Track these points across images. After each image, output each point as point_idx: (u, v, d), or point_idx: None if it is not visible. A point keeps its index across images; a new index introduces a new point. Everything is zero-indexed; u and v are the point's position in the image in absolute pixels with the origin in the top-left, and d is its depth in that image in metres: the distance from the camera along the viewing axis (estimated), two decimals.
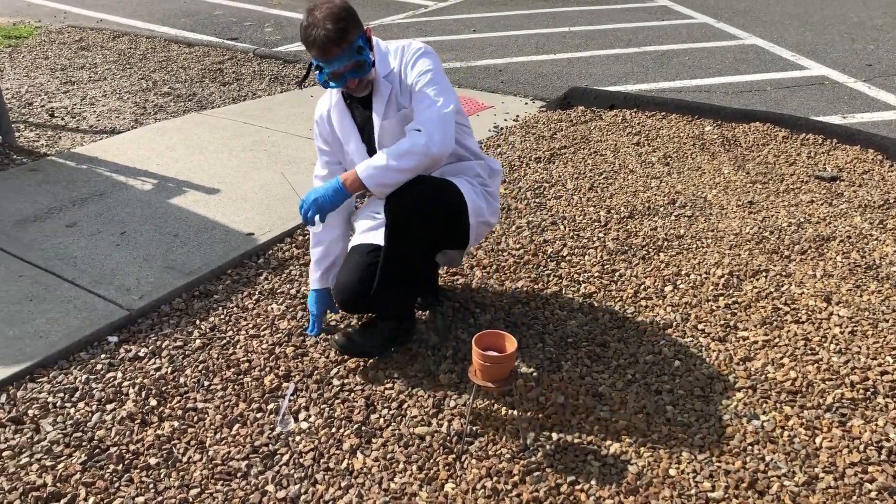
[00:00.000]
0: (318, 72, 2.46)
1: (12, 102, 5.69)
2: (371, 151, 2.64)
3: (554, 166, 4.48)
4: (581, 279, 3.28)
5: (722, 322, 2.95)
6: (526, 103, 5.71)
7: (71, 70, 6.64)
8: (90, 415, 2.50)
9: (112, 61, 6.90)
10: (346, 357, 2.77)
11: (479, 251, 3.51)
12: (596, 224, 3.76)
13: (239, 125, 5.16)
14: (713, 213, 3.87)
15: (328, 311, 2.98)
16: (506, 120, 5.32)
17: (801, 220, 3.75)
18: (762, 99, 5.76)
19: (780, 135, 4.87)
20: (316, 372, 2.70)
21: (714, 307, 3.05)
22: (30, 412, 2.51)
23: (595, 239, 3.62)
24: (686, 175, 4.34)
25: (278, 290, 3.24)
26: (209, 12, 9.20)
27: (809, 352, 2.76)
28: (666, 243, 3.57)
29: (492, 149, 4.75)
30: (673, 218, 3.82)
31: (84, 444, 2.37)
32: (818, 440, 2.34)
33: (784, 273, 3.29)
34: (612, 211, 3.90)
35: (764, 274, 3.29)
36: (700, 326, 2.93)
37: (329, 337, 2.87)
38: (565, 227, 3.73)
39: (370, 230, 2.72)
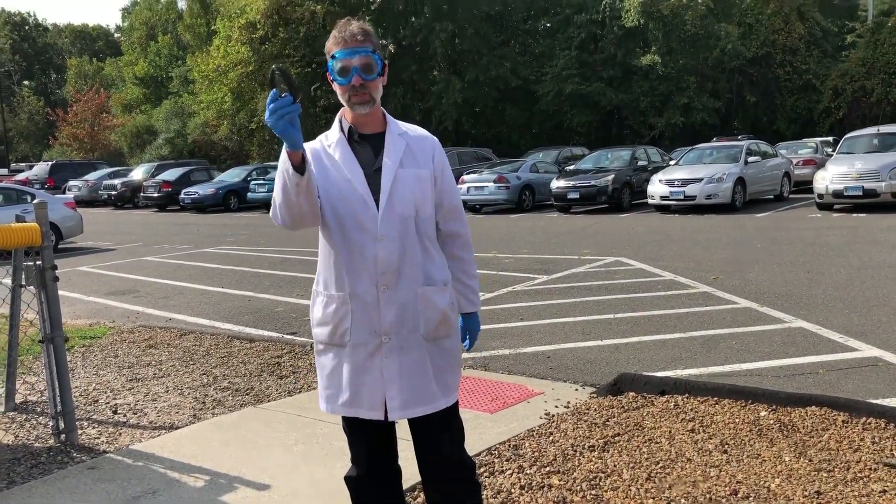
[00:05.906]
0: (330, 59, 2.73)
1: (79, 400, 5.93)
2: (374, 193, 2.77)
3: (608, 455, 4.40)
4: None
5: None
6: (576, 389, 5.74)
7: (137, 367, 6.97)
8: None
9: (177, 358, 7.24)
10: None
11: None
12: None
13: (293, 418, 5.26)
14: None
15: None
16: (556, 406, 5.32)
17: None
18: (815, 382, 5.71)
19: (840, 419, 4.75)
20: None
21: None
22: None
23: None
24: (746, 463, 4.20)
25: None
26: (271, 308, 9.76)
27: None
28: None
29: (544, 436, 4.71)
30: None
31: None
32: None
33: None
34: (673, 503, 3.74)
35: None
36: None
37: None
38: None
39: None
